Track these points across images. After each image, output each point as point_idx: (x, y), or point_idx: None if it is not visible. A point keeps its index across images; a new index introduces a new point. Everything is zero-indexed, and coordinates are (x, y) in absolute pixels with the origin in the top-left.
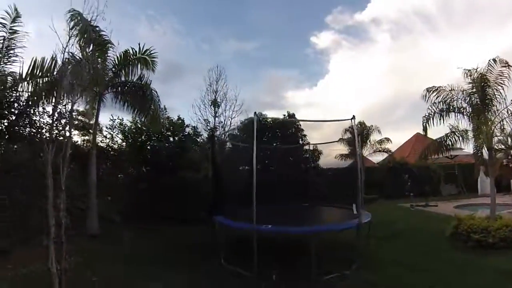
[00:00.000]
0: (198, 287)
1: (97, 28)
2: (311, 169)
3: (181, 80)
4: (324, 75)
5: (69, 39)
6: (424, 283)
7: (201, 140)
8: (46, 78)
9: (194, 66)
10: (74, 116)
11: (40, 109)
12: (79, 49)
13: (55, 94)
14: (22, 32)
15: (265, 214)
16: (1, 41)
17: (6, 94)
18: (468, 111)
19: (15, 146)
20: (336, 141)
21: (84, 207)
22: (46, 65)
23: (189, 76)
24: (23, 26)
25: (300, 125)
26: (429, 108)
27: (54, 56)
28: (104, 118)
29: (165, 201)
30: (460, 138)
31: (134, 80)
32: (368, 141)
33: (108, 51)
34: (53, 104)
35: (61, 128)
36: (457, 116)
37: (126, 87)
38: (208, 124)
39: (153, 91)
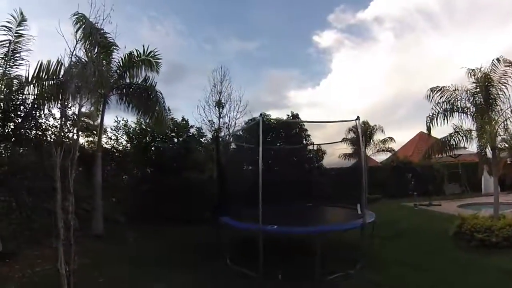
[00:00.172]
0: (203, 284)
1: (102, 31)
2: (315, 169)
3: (184, 80)
4: (326, 74)
5: (76, 43)
6: (427, 283)
7: (206, 141)
8: (52, 81)
9: (196, 67)
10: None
11: (46, 111)
12: (84, 51)
13: (61, 97)
14: (27, 36)
15: (270, 214)
16: (7, 45)
17: (12, 97)
18: (472, 111)
19: (21, 149)
20: (340, 141)
21: (90, 208)
22: (52, 68)
23: (192, 77)
24: (28, 29)
25: (304, 125)
26: (433, 108)
27: (59, 59)
28: (109, 120)
29: (169, 202)
30: (464, 138)
31: (139, 82)
32: (371, 140)
33: (113, 53)
34: (58, 107)
35: (67, 131)
36: (460, 116)
37: (131, 89)
38: (213, 125)
39: (158, 93)
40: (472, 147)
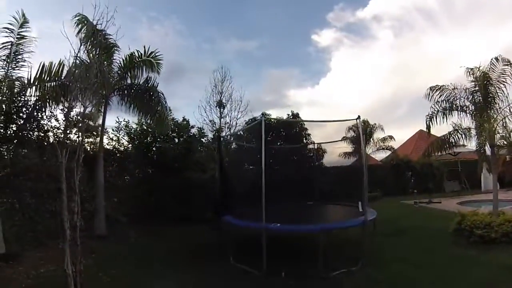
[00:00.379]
0: (208, 286)
1: (103, 32)
2: (315, 168)
3: (183, 80)
4: (326, 73)
5: (81, 45)
6: (427, 279)
7: (207, 141)
8: (54, 83)
9: (196, 66)
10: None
11: (48, 113)
12: (86, 53)
13: (63, 99)
14: (29, 37)
15: (271, 212)
16: (9, 47)
17: (14, 99)
18: (470, 109)
19: (24, 151)
20: (340, 140)
21: (92, 209)
22: (54, 69)
23: (192, 76)
24: (30, 31)
25: (304, 124)
26: (432, 107)
27: (61, 60)
28: (110, 121)
29: (171, 202)
30: (463, 136)
31: (141, 83)
32: (371, 139)
33: (114, 54)
34: (61, 109)
35: (71, 132)
36: (460, 114)
37: (132, 90)
38: (214, 125)
39: (159, 93)
40: (471, 145)
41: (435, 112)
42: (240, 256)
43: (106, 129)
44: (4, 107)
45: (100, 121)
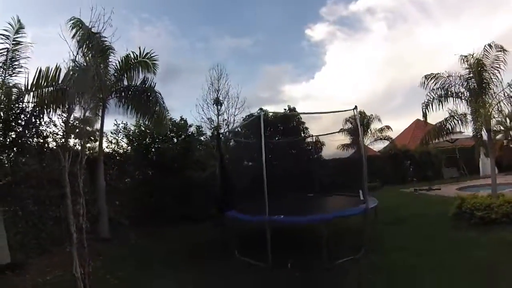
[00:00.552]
0: (214, 278)
1: (98, 35)
2: (314, 161)
3: (178, 80)
4: (320, 67)
5: (79, 49)
6: (430, 263)
7: (206, 139)
8: (52, 87)
9: (190, 66)
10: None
11: (47, 118)
12: (82, 55)
13: (63, 103)
14: (26, 43)
15: (273, 206)
16: (5, 53)
17: (12, 106)
18: (466, 95)
19: (24, 158)
20: (337, 132)
21: (95, 213)
22: (51, 74)
23: (187, 76)
24: (26, 37)
25: (301, 118)
26: (427, 95)
27: (58, 65)
28: (107, 124)
29: (171, 202)
30: (459, 122)
31: (138, 84)
32: (369, 129)
33: (109, 57)
34: (59, 114)
35: (70, 137)
36: (455, 100)
37: (130, 92)
38: (212, 123)
39: (157, 93)
40: (468, 131)
41: (431, 99)
42: (244, 250)
43: (105, 133)
44: (2, 114)
45: (98, 126)
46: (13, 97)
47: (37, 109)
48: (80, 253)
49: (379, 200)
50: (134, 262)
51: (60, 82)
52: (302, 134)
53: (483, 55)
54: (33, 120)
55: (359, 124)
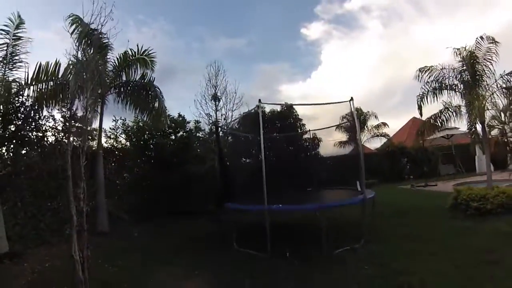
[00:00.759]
0: (214, 267)
1: (96, 32)
2: (312, 157)
3: (174, 81)
4: (317, 66)
5: (79, 46)
6: (427, 250)
7: (204, 135)
8: (51, 82)
9: (186, 67)
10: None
11: (46, 113)
12: (81, 51)
13: (62, 98)
14: (26, 38)
15: (272, 199)
16: (5, 48)
17: (12, 100)
18: (459, 87)
19: (24, 150)
20: (336, 126)
21: (94, 206)
22: (51, 69)
23: (183, 77)
24: (26, 31)
25: (298, 115)
26: (422, 87)
27: (57, 60)
28: (106, 122)
29: (171, 197)
30: (454, 114)
31: (137, 79)
32: (365, 126)
33: (108, 54)
34: (58, 109)
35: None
36: (449, 93)
37: (129, 87)
38: (210, 118)
39: (156, 88)
40: (463, 124)
41: (426, 92)
42: (243, 242)
43: (103, 129)
44: (1, 108)
45: (97, 123)
46: (13, 90)
47: (36, 103)
48: (79, 237)
49: (378, 196)
50: (134, 253)
51: (60, 76)
52: (299, 131)
53: (475, 47)
54: (32, 114)
55: (355, 116)
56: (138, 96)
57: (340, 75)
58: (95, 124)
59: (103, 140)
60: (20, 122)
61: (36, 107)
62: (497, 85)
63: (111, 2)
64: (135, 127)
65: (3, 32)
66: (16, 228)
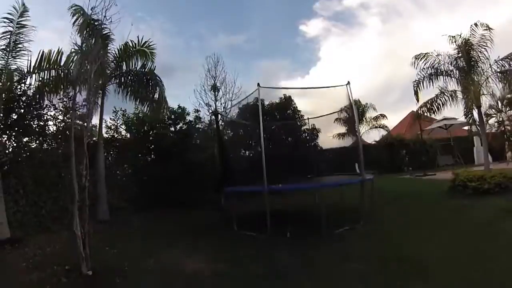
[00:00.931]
0: (214, 249)
1: (97, 23)
2: (312, 147)
3: (172, 79)
4: (315, 62)
5: (83, 38)
6: (428, 226)
7: (204, 125)
8: (53, 70)
9: (185, 65)
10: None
11: (47, 102)
12: (83, 41)
13: (64, 86)
14: (29, 26)
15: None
16: (8, 36)
17: (14, 88)
18: (455, 73)
19: (25, 139)
20: (336, 112)
21: (94, 195)
22: (53, 58)
23: (182, 75)
24: (30, 20)
25: (297, 106)
26: (418, 74)
27: (60, 48)
28: (105, 113)
29: (171, 187)
30: (450, 98)
31: (138, 68)
32: (364, 118)
33: (108, 45)
34: (59, 99)
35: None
36: (445, 79)
37: (129, 76)
38: (210, 108)
39: (157, 77)
40: (459, 110)
41: (422, 78)
42: (243, 226)
43: (104, 119)
44: (3, 96)
45: (96, 116)
46: (15, 78)
47: (39, 91)
48: (81, 213)
49: (378, 185)
50: (134, 237)
51: (62, 65)
52: (298, 123)
53: (470, 34)
54: (33, 103)
55: (352, 100)
56: (139, 84)
57: (338, 72)
58: (96, 115)
59: (104, 130)
60: (22, 111)
61: (38, 96)
62: (492, 70)
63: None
64: (135, 118)
65: (7, 20)
66: (18, 215)
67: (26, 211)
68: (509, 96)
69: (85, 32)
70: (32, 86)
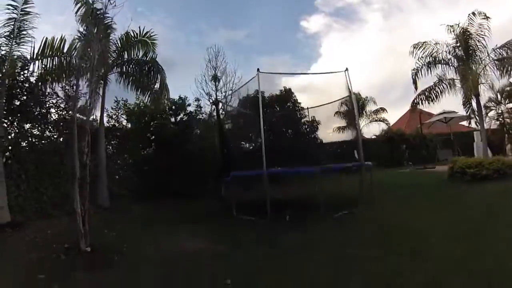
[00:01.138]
0: (215, 233)
1: (99, 12)
2: (312, 140)
3: (173, 74)
4: (316, 58)
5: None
6: (427, 209)
7: (204, 115)
8: (56, 58)
9: (185, 60)
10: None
11: (49, 90)
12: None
13: (66, 73)
14: (34, 13)
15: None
16: (12, 23)
17: (17, 74)
18: (453, 62)
19: (27, 125)
20: (336, 100)
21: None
22: (56, 45)
23: (182, 71)
24: (34, 7)
25: (297, 99)
26: (417, 62)
27: (63, 35)
28: (107, 102)
29: (172, 178)
30: (448, 86)
31: (140, 56)
32: (364, 111)
33: (110, 35)
34: (61, 87)
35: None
36: (443, 67)
37: (131, 65)
38: (210, 98)
39: (159, 65)
40: (458, 99)
41: (420, 66)
42: (244, 210)
43: (106, 109)
44: (7, 82)
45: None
46: (19, 65)
47: (41, 79)
48: (81, 190)
49: (377, 177)
50: (133, 222)
51: (65, 52)
52: (298, 115)
53: (468, 23)
54: (36, 90)
55: (351, 88)
56: (141, 73)
57: (339, 67)
58: (98, 103)
59: (105, 119)
60: (25, 97)
61: (40, 83)
62: (489, 58)
63: None
64: (136, 108)
65: (11, 7)
66: (19, 199)
67: (27, 196)
68: (508, 88)
69: (87, 19)
70: (35, 73)
